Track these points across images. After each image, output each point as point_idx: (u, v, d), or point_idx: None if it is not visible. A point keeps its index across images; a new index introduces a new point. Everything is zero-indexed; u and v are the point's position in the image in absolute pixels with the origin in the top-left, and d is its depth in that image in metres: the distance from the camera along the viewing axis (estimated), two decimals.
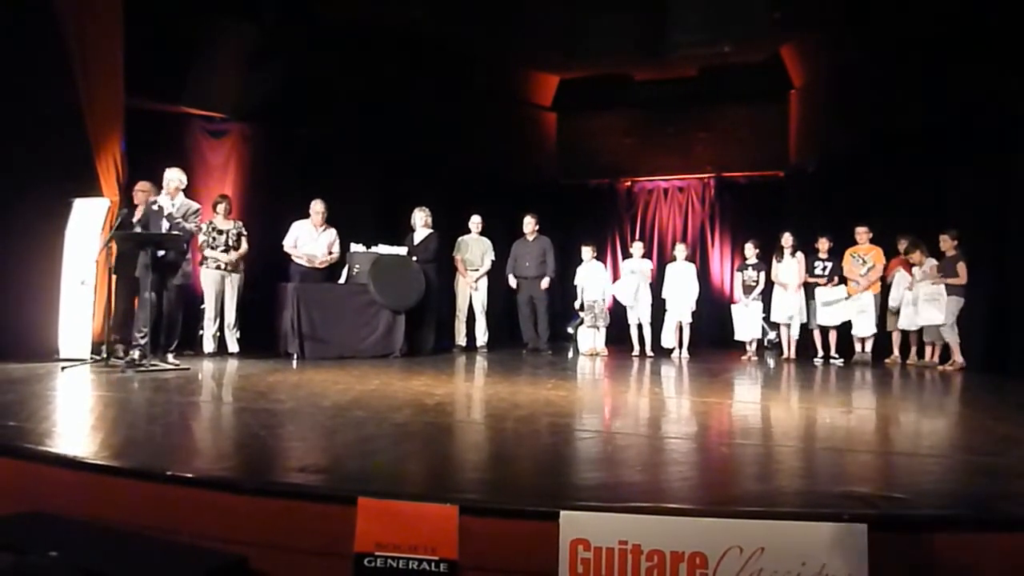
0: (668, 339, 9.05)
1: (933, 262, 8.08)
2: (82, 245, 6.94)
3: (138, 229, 6.80)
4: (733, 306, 9.18)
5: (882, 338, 8.62)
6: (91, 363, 6.54)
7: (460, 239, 9.34)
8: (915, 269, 8.22)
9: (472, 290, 9.23)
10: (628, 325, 9.26)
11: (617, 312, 9.53)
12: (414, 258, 8.41)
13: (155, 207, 6.66)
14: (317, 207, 8.18)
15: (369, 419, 4.22)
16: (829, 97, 10.42)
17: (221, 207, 7.83)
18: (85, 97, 7.13)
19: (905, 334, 8.48)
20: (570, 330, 10.01)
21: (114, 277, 6.88)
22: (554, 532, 2.35)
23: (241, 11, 8.64)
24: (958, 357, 7.78)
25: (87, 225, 7.00)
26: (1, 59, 6.61)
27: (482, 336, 9.32)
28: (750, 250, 9.11)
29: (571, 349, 9.62)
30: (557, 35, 10.74)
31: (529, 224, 9.46)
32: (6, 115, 6.64)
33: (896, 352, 8.53)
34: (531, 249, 9.38)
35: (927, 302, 7.96)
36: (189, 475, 2.83)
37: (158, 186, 6.95)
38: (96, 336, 6.96)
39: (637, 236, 11.83)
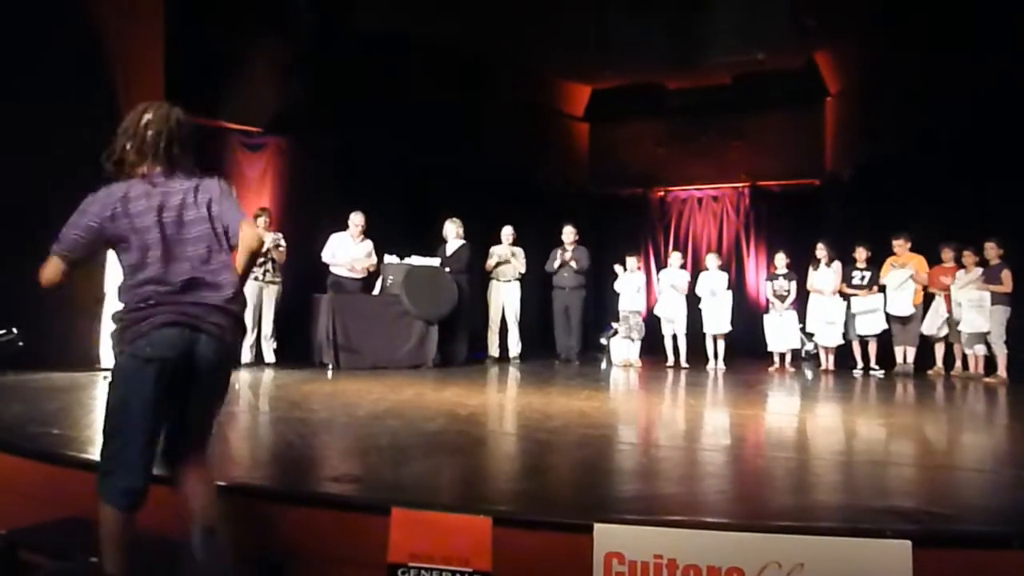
0: (715, 326, 8.96)
1: (980, 270, 7.89)
2: None
3: None
4: (766, 316, 9.06)
5: (924, 350, 8.43)
6: None
7: (492, 249, 9.35)
8: (959, 273, 8.04)
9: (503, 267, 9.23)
10: (662, 336, 9.19)
11: (651, 323, 9.46)
12: (447, 269, 8.45)
13: None
14: (356, 219, 8.25)
15: (403, 429, 4.24)
16: (865, 103, 10.27)
17: (261, 220, 7.94)
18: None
19: (949, 346, 8.29)
20: (603, 341, 9.95)
21: None
22: (588, 545, 2.33)
23: (277, 26, 8.80)
24: (1003, 372, 7.58)
25: None
26: (44, 76, 6.79)
27: (515, 347, 9.30)
28: (780, 260, 9.00)
29: (604, 360, 9.57)
30: (589, 45, 10.75)
31: (569, 234, 9.43)
32: (50, 132, 6.82)
33: (939, 363, 8.33)
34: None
35: (971, 308, 7.77)
36: (225, 483, 2.86)
37: None
38: None
39: (671, 246, 11.76)
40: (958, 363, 8.19)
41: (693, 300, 9.17)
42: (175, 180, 2.42)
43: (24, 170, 6.82)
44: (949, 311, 8.10)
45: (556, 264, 9.36)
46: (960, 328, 7.93)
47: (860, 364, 8.51)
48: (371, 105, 9.49)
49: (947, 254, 8.29)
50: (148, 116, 2.47)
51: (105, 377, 6.27)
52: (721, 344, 8.96)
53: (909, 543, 2.21)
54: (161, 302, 2.32)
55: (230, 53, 8.37)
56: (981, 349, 7.84)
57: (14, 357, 6.50)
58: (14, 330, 6.66)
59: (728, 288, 9.20)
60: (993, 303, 7.65)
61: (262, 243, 2.48)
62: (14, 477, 3.20)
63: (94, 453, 3.31)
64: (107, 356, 6.96)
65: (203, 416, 2.51)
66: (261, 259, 7.78)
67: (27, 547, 2.71)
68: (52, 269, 2.35)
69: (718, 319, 8.94)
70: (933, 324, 8.23)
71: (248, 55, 8.57)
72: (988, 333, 7.70)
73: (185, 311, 2.33)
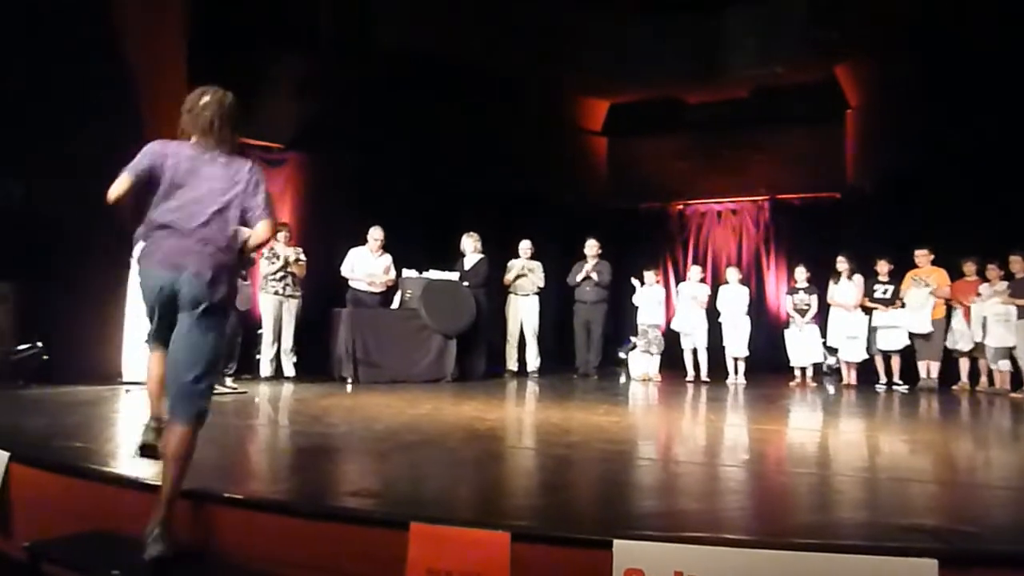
0: (735, 349, 8.89)
1: (1005, 284, 7.79)
2: None
3: None
4: (787, 331, 8.98)
5: (949, 364, 8.31)
6: None
7: (510, 263, 9.36)
8: (983, 287, 7.93)
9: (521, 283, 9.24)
10: (682, 350, 9.14)
11: (670, 337, 9.41)
12: (465, 283, 8.46)
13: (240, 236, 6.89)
14: (376, 234, 8.30)
15: (421, 444, 4.23)
16: (887, 116, 10.20)
17: (281, 234, 8.01)
18: (151, 130, 7.41)
19: (974, 360, 8.16)
20: (622, 355, 9.91)
21: None
22: (607, 561, 2.31)
23: (298, 44, 8.91)
24: None
25: None
26: (69, 96, 6.92)
27: (533, 361, 9.28)
28: (800, 274, 8.94)
29: (623, 374, 9.52)
30: (607, 60, 10.79)
31: (592, 248, 9.40)
32: (74, 152, 6.94)
33: (964, 379, 8.21)
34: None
35: (997, 322, 7.66)
36: (244, 497, 2.87)
37: None
38: None
39: (691, 260, 11.71)
40: (983, 378, 8.08)
41: (713, 314, 9.12)
42: (213, 153, 2.91)
43: (50, 190, 6.95)
44: (969, 323, 7.99)
45: (579, 277, 9.33)
46: (986, 342, 7.83)
47: (883, 379, 8.41)
48: (390, 121, 9.57)
49: (969, 267, 8.19)
50: (205, 99, 2.94)
51: (127, 391, 6.35)
52: (741, 362, 8.90)
53: (935, 562, 2.17)
54: (162, 245, 2.81)
55: (252, 71, 8.48)
56: (1006, 364, 7.73)
57: (38, 370, 6.63)
58: (38, 344, 6.78)
59: (748, 304, 9.11)
60: (1019, 317, 7.54)
61: (267, 242, 3.10)
62: (37, 490, 3.23)
63: (117, 467, 3.35)
64: (130, 370, 7.05)
65: (187, 352, 2.79)
66: (281, 273, 7.86)
67: (50, 560, 2.73)
68: (119, 182, 2.82)
69: (737, 343, 8.88)
70: (954, 339, 8.12)
71: (270, 73, 8.68)
72: (1014, 348, 7.59)
73: (174, 255, 2.78)
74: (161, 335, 2.89)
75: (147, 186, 2.84)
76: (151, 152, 2.87)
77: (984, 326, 7.83)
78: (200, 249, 2.78)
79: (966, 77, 8.50)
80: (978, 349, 8.05)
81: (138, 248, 2.91)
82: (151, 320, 2.94)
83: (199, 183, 2.84)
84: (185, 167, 2.84)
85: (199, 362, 2.79)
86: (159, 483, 2.68)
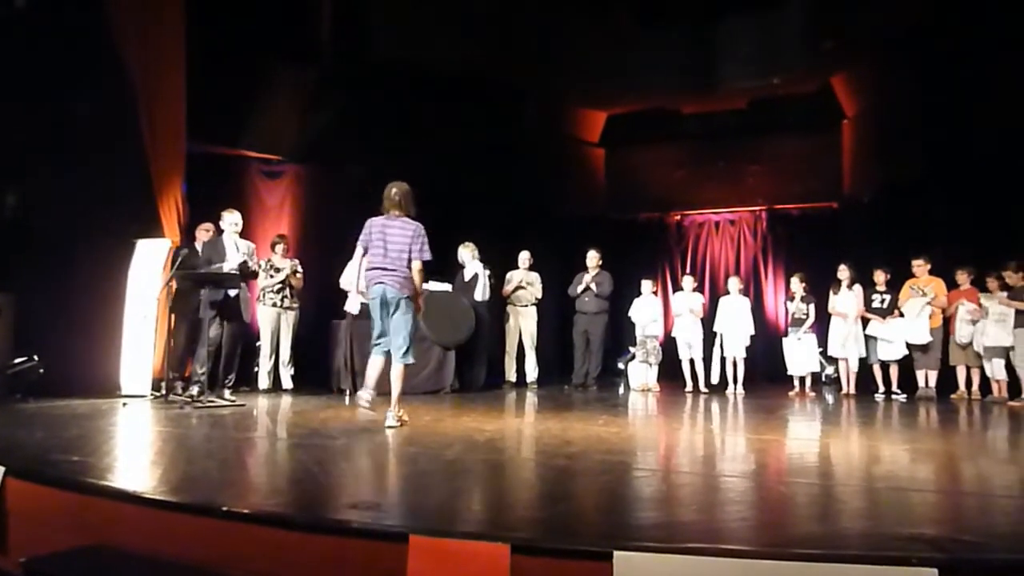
0: (720, 374, 8.91)
1: (1004, 294, 7.82)
2: (144, 284, 7.17)
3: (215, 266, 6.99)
4: (785, 340, 8.98)
5: (947, 373, 8.31)
6: (151, 399, 6.71)
7: (509, 274, 9.36)
8: (983, 296, 7.95)
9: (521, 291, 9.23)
10: (680, 361, 9.13)
11: (669, 347, 9.40)
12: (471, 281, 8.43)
13: (239, 249, 6.95)
14: None
15: (420, 455, 4.22)
16: (883, 126, 10.25)
17: (279, 247, 8.02)
18: (149, 143, 7.43)
19: (969, 369, 8.17)
20: (621, 365, 9.90)
21: (171, 316, 7.08)
22: (608, 573, 2.30)
23: (297, 56, 8.94)
24: None
25: (149, 265, 7.24)
26: (70, 109, 6.94)
27: (532, 372, 9.27)
28: (796, 284, 8.93)
29: (622, 385, 9.51)
30: (605, 72, 10.83)
31: (593, 259, 9.40)
32: (75, 161, 6.94)
33: (962, 387, 8.21)
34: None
35: (994, 322, 7.69)
36: (244, 511, 2.86)
37: (217, 226, 7.17)
38: (156, 373, 7.14)
39: (688, 270, 11.71)
40: (975, 387, 8.09)
41: (710, 323, 9.12)
42: (398, 220, 5.34)
43: (46, 201, 6.95)
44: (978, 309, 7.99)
45: (580, 289, 9.33)
46: (983, 343, 7.85)
47: (881, 388, 8.41)
48: (388, 132, 9.58)
49: (963, 277, 8.21)
50: (394, 189, 5.43)
51: (125, 404, 6.33)
52: (740, 368, 8.89)
53: (935, 571, 2.16)
54: (374, 275, 5.26)
55: (250, 83, 8.50)
56: (1000, 364, 7.74)
57: (35, 384, 6.61)
58: (34, 357, 6.77)
59: (748, 315, 9.06)
60: (1017, 325, 7.55)
61: (421, 274, 5.35)
62: (34, 505, 3.22)
63: (115, 480, 3.34)
64: (127, 383, 7.04)
65: (395, 329, 5.24)
66: (279, 285, 7.87)
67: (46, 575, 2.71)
68: (357, 253, 5.42)
69: (736, 340, 8.86)
70: (963, 332, 8.06)
71: (268, 85, 8.71)
72: (1011, 348, 7.61)
73: (382, 277, 5.23)
74: (380, 343, 5.31)
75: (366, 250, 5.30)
76: (364, 232, 5.32)
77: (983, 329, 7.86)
78: (394, 274, 5.20)
79: (962, 87, 8.54)
80: (971, 358, 8.06)
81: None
82: (376, 327, 5.28)
83: (389, 238, 5.25)
84: (381, 231, 5.27)
85: (402, 332, 5.19)
86: (156, 497, 2.66)
